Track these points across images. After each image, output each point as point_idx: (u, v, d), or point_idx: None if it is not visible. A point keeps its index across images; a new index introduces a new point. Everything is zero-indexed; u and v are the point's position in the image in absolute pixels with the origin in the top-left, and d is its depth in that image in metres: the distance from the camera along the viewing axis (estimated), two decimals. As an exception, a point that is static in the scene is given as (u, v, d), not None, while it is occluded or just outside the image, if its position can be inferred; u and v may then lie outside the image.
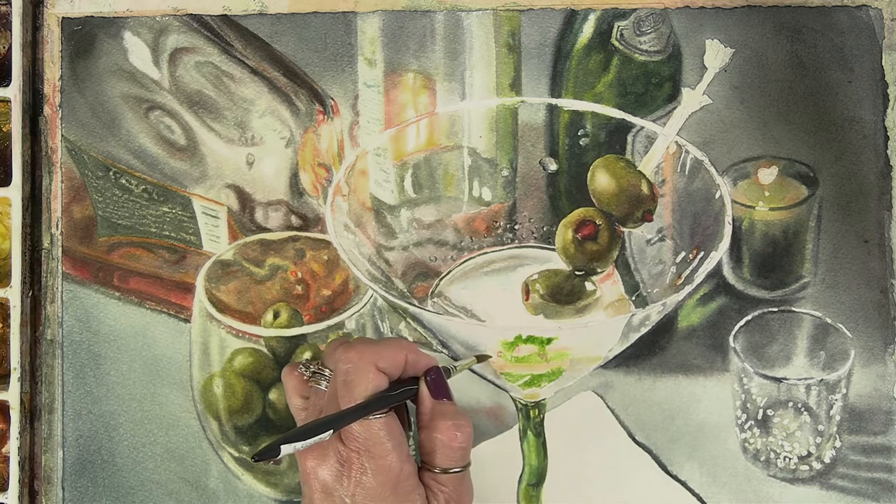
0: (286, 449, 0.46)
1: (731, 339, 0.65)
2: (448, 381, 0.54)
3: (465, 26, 0.66)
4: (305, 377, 0.54)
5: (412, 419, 0.55)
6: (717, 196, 0.60)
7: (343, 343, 0.54)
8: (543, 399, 0.61)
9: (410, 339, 0.65)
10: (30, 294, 0.65)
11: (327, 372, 0.53)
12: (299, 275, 0.65)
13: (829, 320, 0.65)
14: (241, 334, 0.64)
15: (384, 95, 0.66)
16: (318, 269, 0.66)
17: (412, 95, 0.66)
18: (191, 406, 0.65)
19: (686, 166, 0.61)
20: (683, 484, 0.65)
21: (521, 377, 0.58)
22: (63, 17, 0.66)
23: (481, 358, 0.56)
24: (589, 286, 0.61)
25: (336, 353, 0.53)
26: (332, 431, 0.48)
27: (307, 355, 0.64)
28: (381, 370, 0.51)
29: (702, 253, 0.59)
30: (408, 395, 0.52)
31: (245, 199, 0.66)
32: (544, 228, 0.64)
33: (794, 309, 0.66)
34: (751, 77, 0.66)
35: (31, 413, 0.65)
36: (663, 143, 0.61)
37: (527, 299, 0.60)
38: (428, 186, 0.64)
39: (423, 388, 0.53)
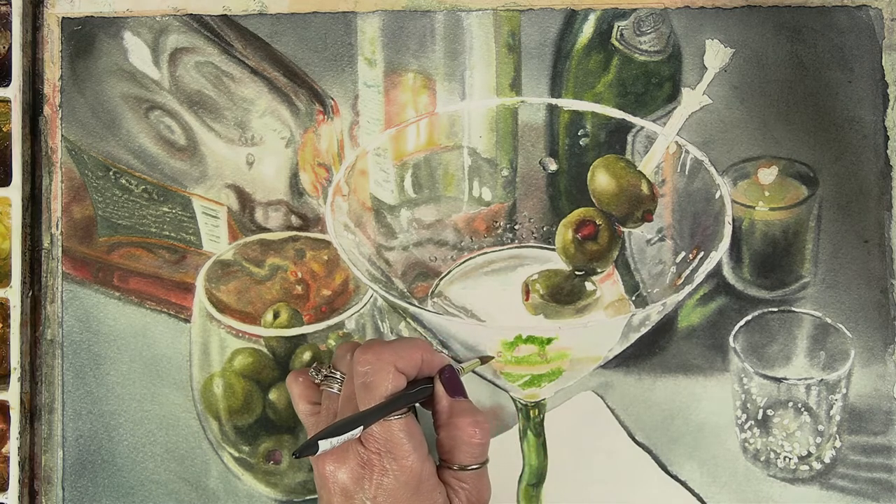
0: (323, 444, 0.47)
1: (731, 339, 0.65)
2: None
3: (465, 26, 0.66)
4: (317, 381, 0.54)
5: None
6: (717, 196, 0.60)
7: (355, 345, 0.53)
8: (543, 399, 0.61)
9: (410, 339, 0.65)
10: (30, 294, 0.65)
11: (339, 375, 0.53)
12: (299, 275, 0.65)
13: (829, 320, 0.65)
14: (241, 334, 0.64)
15: (384, 95, 0.66)
16: (318, 269, 0.66)
17: (412, 95, 0.66)
18: (191, 406, 0.65)
19: (686, 166, 0.61)
20: (683, 484, 0.65)
21: (521, 377, 0.58)
22: (63, 17, 0.66)
23: (485, 359, 0.56)
24: (589, 286, 0.61)
25: (351, 355, 0.52)
26: (362, 428, 0.48)
27: (307, 355, 0.64)
28: (399, 370, 0.51)
29: (702, 253, 0.59)
30: (425, 394, 0.52)
31: (245, 199, 0.66)
32: (544, 228, 0.64)
33: (794, 309, 0.66)
34: (751, 77, 0.66)
35: (31, 413, 0.65)
36: (663, 143, 0.61)
37: (527, 299, 0.60)
38: (428, 186, 0.64)
39: (439, 387, 0.52)
